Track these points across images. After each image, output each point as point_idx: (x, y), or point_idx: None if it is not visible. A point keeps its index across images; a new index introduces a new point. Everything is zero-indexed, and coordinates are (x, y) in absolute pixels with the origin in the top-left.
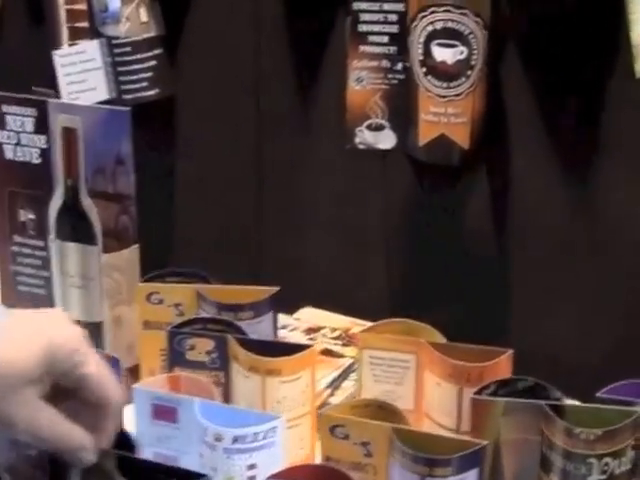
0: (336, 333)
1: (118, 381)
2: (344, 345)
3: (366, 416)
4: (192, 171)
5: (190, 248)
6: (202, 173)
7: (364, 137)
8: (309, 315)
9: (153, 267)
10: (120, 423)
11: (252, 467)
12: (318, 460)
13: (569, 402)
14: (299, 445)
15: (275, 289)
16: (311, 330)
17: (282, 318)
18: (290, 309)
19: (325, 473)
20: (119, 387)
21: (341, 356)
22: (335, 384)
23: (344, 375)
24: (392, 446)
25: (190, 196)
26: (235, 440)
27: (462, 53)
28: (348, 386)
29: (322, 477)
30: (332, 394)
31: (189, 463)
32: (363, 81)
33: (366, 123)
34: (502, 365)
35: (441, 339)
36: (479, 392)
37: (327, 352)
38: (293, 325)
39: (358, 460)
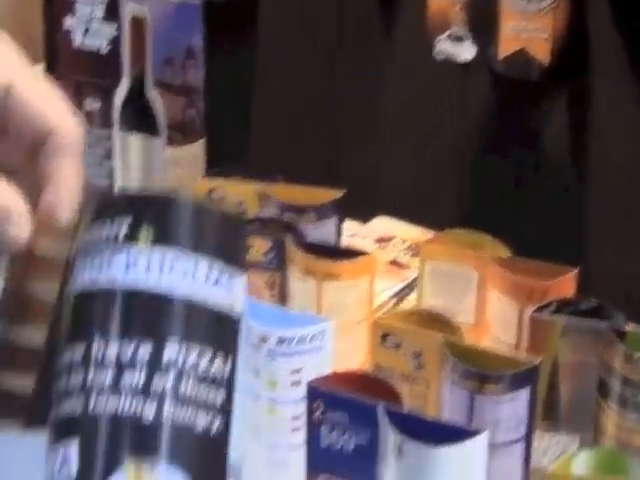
0: (406, 244)
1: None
2: (414, 256)
3: (420, 327)
4: (268, 70)
5: (262, 146)
6: (278, 72)
7: (444, 47)
8: (382, 224)
9: (221, 165)
10: (77, 184)
11: (297, 372)
12: (369, 370)
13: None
14: (352, 353)
15: (341, 192)
16: (382, 239)
17: (354, 226)
18: (364, 218)
19: (372, 382)
20: (72, 116)
21: (409, 267)
22: (400, 295)
23: (410, 287)
24: (444, 359)
25: (264, 96)
26: (280, 342)
27: None
28: (413, 298)
29: (368, 386)
30: (397, 305)
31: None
32: None
33: (446, 33)
34: (566, 284)
35: (505, 253)
36: (540, 310)
37: (395, 263)
38: (364, 233)
39: (409, 371)
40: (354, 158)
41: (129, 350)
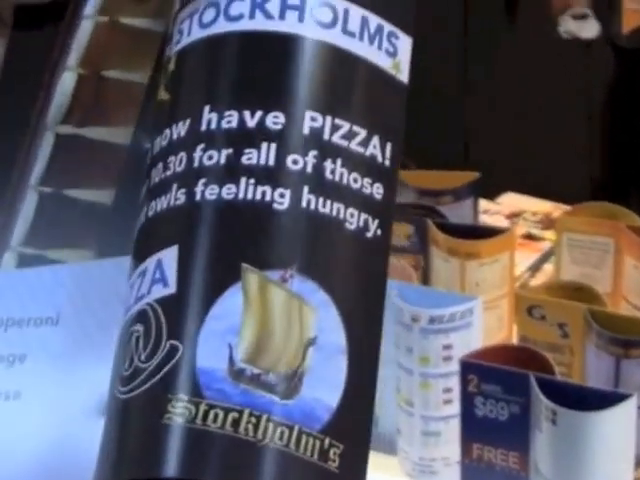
0: (537, 217)
1: None
2: (545, 229)
3: (563, 298)
4: None
5: None
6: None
7: (568, 26)
8: (510, 200)
9: None
10: None
11: (448, 347)
12: (515, 342)
13: None
14: (497, 327)
15: (476, 174)
16: (512, 215)
17: (484, 203)
18: (492, 194)
19: (521, 354)
20: None
21: (541, 239)
22: (535, 267)
23: (544, 258)
24: (588, 327)
25: None
26: (432, 320)
27: None
28: (548, 269)
29: (518, 358)
30: (532, 277)
31: (385, 343)
32: None
33: (570, 12)
34: None
35: None
36: None
37: (528, 236)
38: (494, 210)
39: (554, 341)
40: (481, 137)
41: (252, 120)
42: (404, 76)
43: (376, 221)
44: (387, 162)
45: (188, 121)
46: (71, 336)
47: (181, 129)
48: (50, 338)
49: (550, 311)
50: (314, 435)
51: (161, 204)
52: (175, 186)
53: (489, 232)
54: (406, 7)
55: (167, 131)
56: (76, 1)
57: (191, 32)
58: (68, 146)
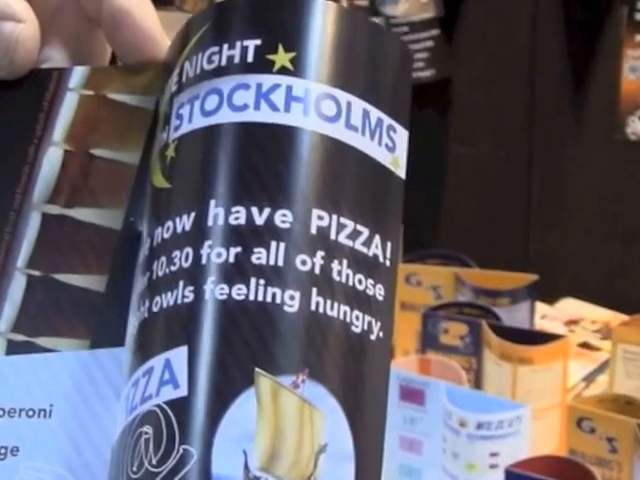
0: (596, 326)
1: None
2: (603, 338)
3: (614, 411)
4: (464, 155)
5: (454, 231)
6: (467, 155)
7: (636, 127)
8: (570, 306)
9: (414, 247)
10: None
11: (495, 455)
12: (564, 454)
13: None
14: (547, 437)
15: (534, 277)
16: (571, 322)
17: (542, 308)
18: (551, 299)
19: (568, 466)
20: None
21: (599, 349)
22: (590, 378)
23: (600, 369)
24: (637, 443)
25: (458, 181)
26: (479, 426)
27: None
28: (604, 381)
29: (565, 470)
30: (587, 387)
31: (432, 446)
32: (638, 71)
33: (639, 113)
34: None
35: None
36: None
37: (585, 345)
38: (553, 315)
39: (603, 455)
40: (542, 237)
41: (260, 217)
42: (402, 172)
43: (379, 323)
44: (387, 262)
45: (193, 215)
46: (65, 429)
47: (185, 223)
48: (43, 430)
49: (600, 424)
50: None
51: (167, 300)
52: (182, 283)
53: (544, 338)
54: (402, 98)
55: (169, 223)
56: (60, 71)
57: (192, 119)
58: (56, 227)
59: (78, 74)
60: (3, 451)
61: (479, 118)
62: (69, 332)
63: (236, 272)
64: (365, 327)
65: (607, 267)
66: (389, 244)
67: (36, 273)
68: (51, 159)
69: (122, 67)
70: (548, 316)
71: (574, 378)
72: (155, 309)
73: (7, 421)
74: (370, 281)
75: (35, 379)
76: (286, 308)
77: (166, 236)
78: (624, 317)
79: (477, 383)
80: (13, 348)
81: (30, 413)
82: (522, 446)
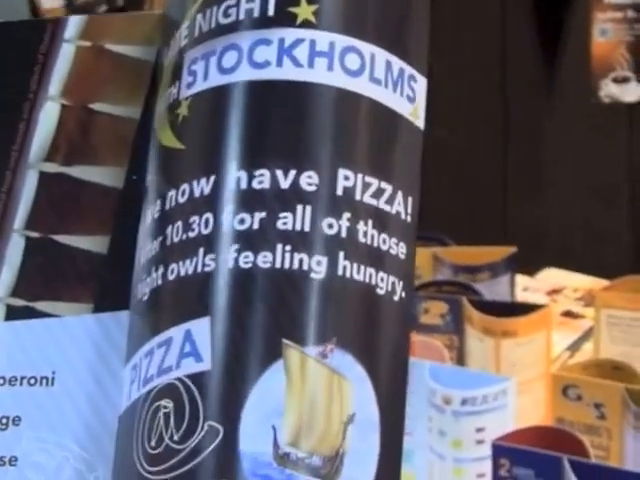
0: (578, 294)
1: None
2: (586, 306)
3: (600, 377)
4: (440, 136)
5: (433, 210)
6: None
7: (609, 90)
8: (551, 276)
9: None
10: None
11: (481, 430)
12: (551, 424)
13: None
14: (534, 409)
15: (513, 249)
16: (553, 291)
17: (524, 280)
18: (532, 270)
19: (555, 435)
20: None
21: (583, 317)
22: (575, 346)
23: (584, 337)
24: (625, 408)
25: (438, 162)
26: (464, 402)
27: None
28: (589, 349)
29: (552, 440)
30: (571, 357)
31: (419, 427)
32: (608, 33)
33: (611, 76)
34: None
35: None
36: None
37: (568, 314)
38: (535, 287)
39: (591, 422)
40: (520, 210)
41: (286, 180)
42: (421, 122)
43: (401, 283)
44: (409, 218)
45: (212, 178)
46: (69, 397)
47: (204, 186)
48: (46, 399)
49: (586, 391)
50: None
51: (185, 268)
52: (202, 250)
53: (525, 309)
54: (421, 44)
55: (185, 186)
56: (54, 22)
57: (208, 76)
58: (54, 186)
59: (74, 24)
60: (5, 421)
61: (453, 98)
62: (70, 296)
63: (261, 239)
64: (389, 288)
65: (587, 234)
66: (410, 199)
67: (35, 235)
68: (48, 114)
69: (120, 16)
70: (530, 288)
71: (558, 348)
72: (171, 277)
73: (8, 390)
74: (394, 240)
75: (36, 346)
76: (313, 275)
77: (181, 200)
78: (606, 282)
79: (460, 360)
80: (12, 313)
81: (32, 381)
82: (508, 420)
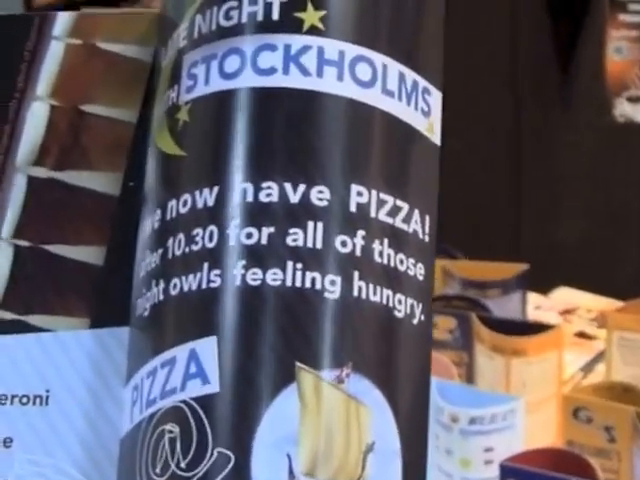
0: (592, 314)
1: None
2: (600, 327)
3: (611, 399)
4: (453, 147)
5: (444, 223)
6: (457, 145)
7: (623, 109)
8: (564, 295)
9: None
10: None
11: (489, 450)
12: (561, 446)
13: None
14: (543, 430)
15: (524, 266)
16: (566, 311)
17: (537, 298)
18: (545, 289)
19: (565, 458)
20: None
21: (596, 338)
22: (588, 367)
23: (598, 358)
24: (636, 431)
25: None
26: (472, 421)
27: None
28: (602, 370)
29: (561, 462)
30: (585, 377)
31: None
32: (623, 52)
33: (626, 95)
34: None
35: None
36: None
37: (582, 334)
38: (548, 305)
39: (601, 445)
40: (534, 228)
41: (295, 195)
42: (437, 138)
43: (420, 305)
44: (427, 238)
45: (216, 189)
46: (65, 417)
47: (207, 197)
48: (39, 419)
49: (597, 413)
50: None
51: (189, 283)
52: (207, 265)
53: (537, 328)
54: (436, 57)
55: (186, 196)
56: (42, 17)
57: (209, 80)
58: (45, 193)
59: (63, 21)
60: None
61: (467, 112)
62: (65, 310)
63: (270, 255)
64: (408, 311)
65: (602, 253)
66: (427, 218)
67: (24, 244)
68: (36, 115)
69: (112, 14)
70: (542, 306)
71: (572, 369)
72: (173, 292)
73: None
74: (411, 260)
75: (28, 362)
76: (327, 295)
77: (183, 210)
78: (620, 304)
79: (469, 377)
80: (2, 327)
81: (24, 400)
82: (517, 440)
